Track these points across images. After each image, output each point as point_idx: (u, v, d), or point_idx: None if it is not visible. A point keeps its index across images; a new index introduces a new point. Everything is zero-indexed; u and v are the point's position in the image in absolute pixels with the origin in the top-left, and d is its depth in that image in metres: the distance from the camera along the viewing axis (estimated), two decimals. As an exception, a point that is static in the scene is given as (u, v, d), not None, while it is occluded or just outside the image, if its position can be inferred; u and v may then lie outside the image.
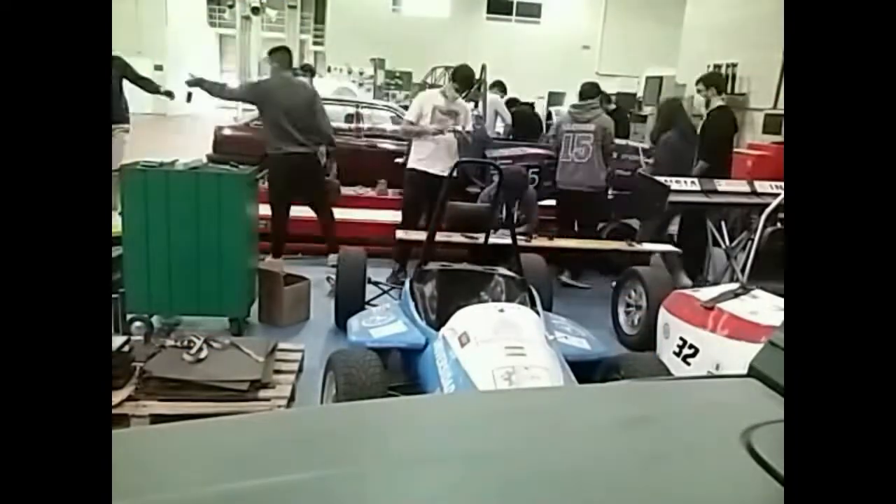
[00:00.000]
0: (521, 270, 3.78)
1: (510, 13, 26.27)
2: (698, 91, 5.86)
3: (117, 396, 2.90)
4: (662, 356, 3.42)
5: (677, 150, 5.67)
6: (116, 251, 3.86)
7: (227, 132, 8.79)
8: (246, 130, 8.83)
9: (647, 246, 5.74)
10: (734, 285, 3.82)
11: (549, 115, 16.97)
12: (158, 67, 24.92)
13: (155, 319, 4.08)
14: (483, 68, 7.08)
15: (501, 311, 2.88)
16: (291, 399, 3.17)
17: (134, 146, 6.81)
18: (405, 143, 6.69)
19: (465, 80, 5.28)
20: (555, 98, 21.76)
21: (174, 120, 22.63)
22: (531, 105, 9.26)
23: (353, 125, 8.73)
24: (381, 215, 6.38)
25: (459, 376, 2.55)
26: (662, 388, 1.30)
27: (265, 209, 4.99)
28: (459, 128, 5.14)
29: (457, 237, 4.91)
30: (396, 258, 5.35)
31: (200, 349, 3.19)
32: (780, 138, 9.42)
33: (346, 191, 6.78)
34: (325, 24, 27.06)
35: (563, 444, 0.95)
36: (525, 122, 7.87)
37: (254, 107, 5.83)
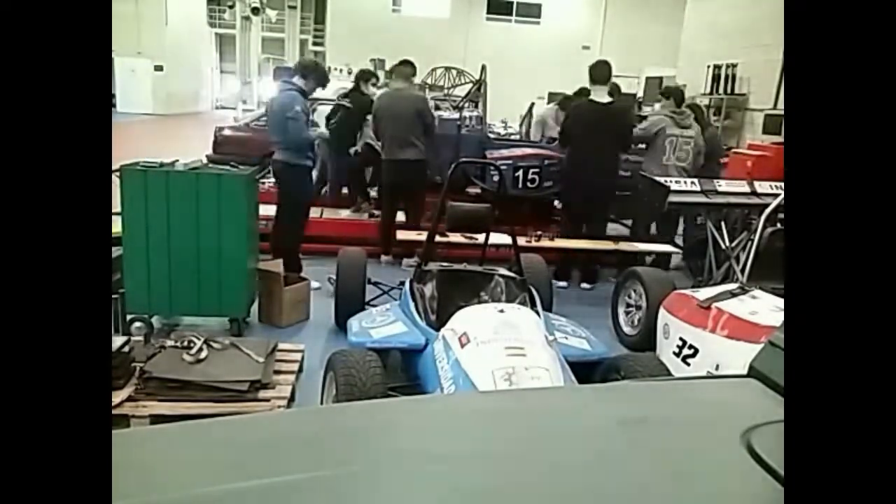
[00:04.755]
0: (521, 270, 3.78)
1: (510, 13, 26.24)
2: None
3: (117, 397, 2.90)
4: (662, 356, 3.42)
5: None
6: (116, 251, 3.86)
7: (227, 132, 8.78)
8: (246, 130, 8.83)
9: (647, 246, 5.75)
10: (733, 285, 3.82)
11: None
12: (158, 68, 24.93)
13: (155, 319, 4.08)
14: (483, 68, 7.08)
15: (501, 311, 2.88)
16: (291, 399, 3.17)
17: (134, 146, 6.81)
18: None
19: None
20: (555, 98, 21.70)
21: (174, 119, 22.61)
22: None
23: None
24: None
25: (459, 377, 2.55)
26: (662, 389, 1.30)
27: (265, 209, 4.99)
28: None
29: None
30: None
31: (200, 349, 3.19)
32: (780, 138, 9.41)
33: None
34: (325, 24, 27.04)
35: (563, 444, 0.95)
36: None
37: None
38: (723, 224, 5.01)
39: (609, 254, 5.84)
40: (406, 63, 5.81)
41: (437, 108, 6.75)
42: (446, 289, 3.64)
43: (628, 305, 4.57)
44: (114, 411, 2.79)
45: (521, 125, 10.80)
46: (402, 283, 3.86)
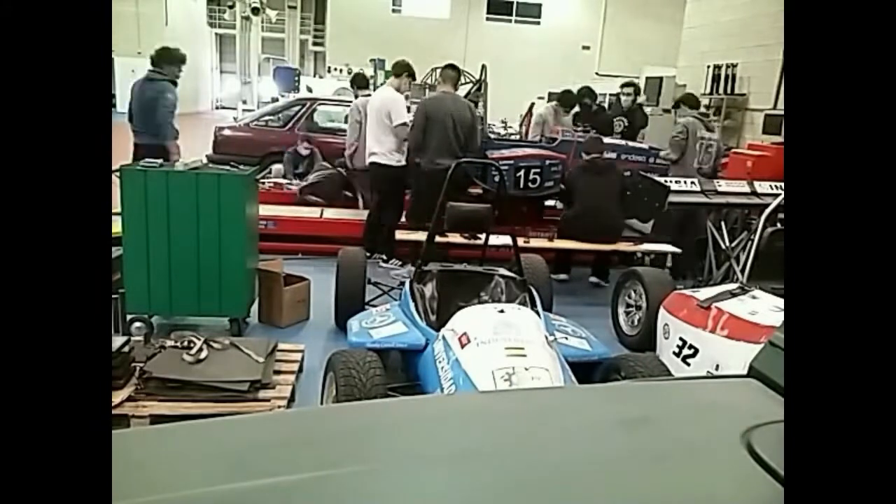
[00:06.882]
0: (521, 270, 3.78)
1: (510, 14, 26.25)
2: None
3: (117, 397, 2.90)
4: (662, 356, 3.42)
5: None
6: (116, 251, 3.86)
7: (227, 132, 8.77)
8: (246, 130, 8.82)
9: (647, 246, 5.75)
10: (733, 285, 3.82)
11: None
12: (158, 68, 24.92)
13: (155, 320, 4.08)
14: (483, 68, 7.08)
15: (501, 311, 2.88)
16: (291, 399, 3.17)
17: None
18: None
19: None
20: (555, 98, 21.70)
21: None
22: None
23: None
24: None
25: (460, 377, 2.55)
26: (662, 388, 1.30)
27: (265, 210, 5.00)
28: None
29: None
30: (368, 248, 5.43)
31: (200, 350, 3.19)
32: (780, 138, 9.41)
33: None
34: (325, 24, 27.04)
35: (563, 444, 0.95)
36: None
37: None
38: (723, 224, 5.01)
39: (609, 254, 5.85)
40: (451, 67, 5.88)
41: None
42: (446, 289, 3.64)
43: (628, 305, 4.57)
44: (114, 411, 2.79)
45: (521, 125, 10.80)
46: (402, 284, 3.85)
